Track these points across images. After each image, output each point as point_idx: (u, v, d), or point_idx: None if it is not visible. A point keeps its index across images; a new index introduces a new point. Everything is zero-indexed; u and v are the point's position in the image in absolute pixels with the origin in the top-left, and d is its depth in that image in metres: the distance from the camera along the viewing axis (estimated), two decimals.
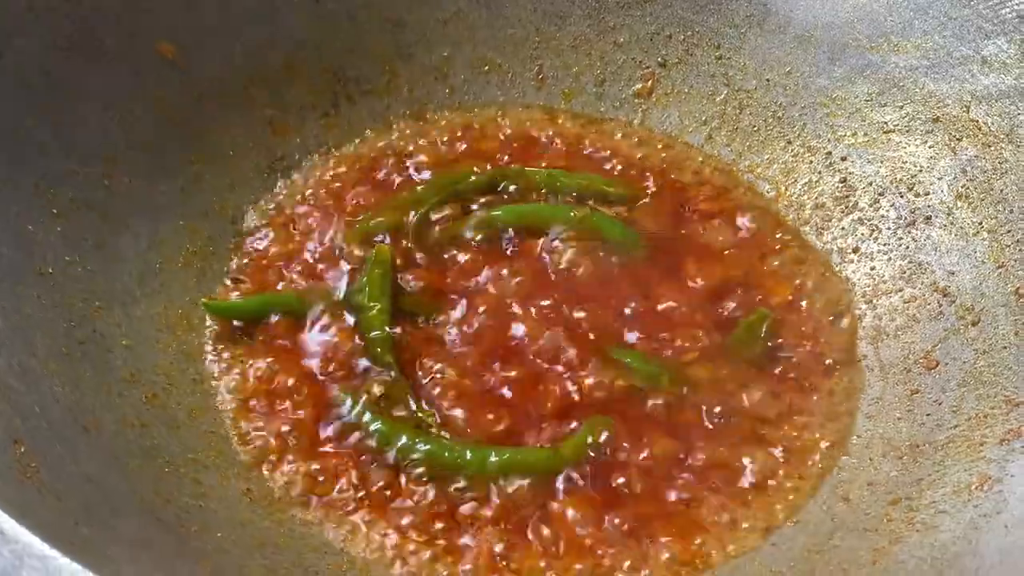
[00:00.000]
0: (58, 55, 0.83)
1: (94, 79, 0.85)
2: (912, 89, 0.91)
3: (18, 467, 0.60)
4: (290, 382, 0.81)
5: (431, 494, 0.76)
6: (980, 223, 0.85)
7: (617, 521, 0.75)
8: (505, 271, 0.88)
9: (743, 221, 0.94)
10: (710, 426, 0.80)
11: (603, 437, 0.78)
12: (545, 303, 0.86)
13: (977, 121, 0.87)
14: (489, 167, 0.96)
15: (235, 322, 0.85)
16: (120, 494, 0.67)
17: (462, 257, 0.90)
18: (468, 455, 0.76)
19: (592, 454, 0.78)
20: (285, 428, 0.79)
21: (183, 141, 0.90)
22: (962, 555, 0.66)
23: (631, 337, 0.85)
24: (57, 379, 0.71)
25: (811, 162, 0.95)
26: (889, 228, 0.90)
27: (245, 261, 0.89)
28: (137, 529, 0.65)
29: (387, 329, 0.83)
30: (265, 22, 0.95)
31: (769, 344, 0.85)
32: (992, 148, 0.85)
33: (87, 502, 0.63)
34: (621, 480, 0.77)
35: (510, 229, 0.91)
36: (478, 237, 0.91)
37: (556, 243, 0.90)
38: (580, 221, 0.90)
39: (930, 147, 0.89)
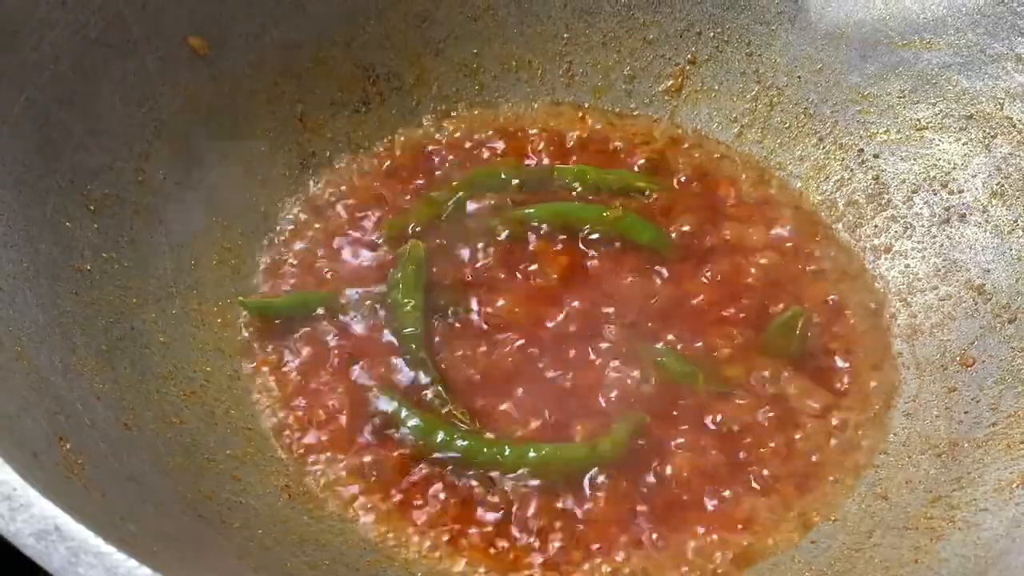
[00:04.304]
0: (89, 49, 0.82)
1: (125, 73, 0.84)
2: (945, 86, 0.90)
3: (64, 464, 0.60)
4: (325, 379, 0.81)
5: (467, 490, 0.75)
6: (1015, 220, 0.84)
7: (654, 518, 0.75)
8: (537, 269, 0.88)
9: (775, 219, 0.94)
10: (745, 424, 0.80)
11: (639, 433, 0.78)
12: (578, 301, 0.86)
13: (1011, 118, 0.86)
14: (520, 164, 0.96)
15: (270, 319, 0.84)
16: (162, 491, 0.67)
17: (494, 254, 0.89)
18: (506, 451, 0.76)
19: (629, 449, 0.77)
20: (321, 425, 0.79)
21: (214, 136, 0.90)
22: (1006, 553, 0.66)
23: (665, 336, 0.85)
24: (97, 376, 0.71)
25: (843, 159, 0.95)
26: (923, 226, 0.90)
27: (279, 258, 0.89)
28: (180, 526, 0.65)
29: (421, 325, 0.83)
30: (293, 17, 0.94)
31: (804, 342, 0.84)
32: None
33: (131, 499, 0.63)
34: (657, 477, 0.77)
35: (542, 227, 0.91)
36: (510, 234, 0.90)
37: (588, 242, 0.90)
38: (613, 222, 0.90)
39: (964, 144, 0.89)
